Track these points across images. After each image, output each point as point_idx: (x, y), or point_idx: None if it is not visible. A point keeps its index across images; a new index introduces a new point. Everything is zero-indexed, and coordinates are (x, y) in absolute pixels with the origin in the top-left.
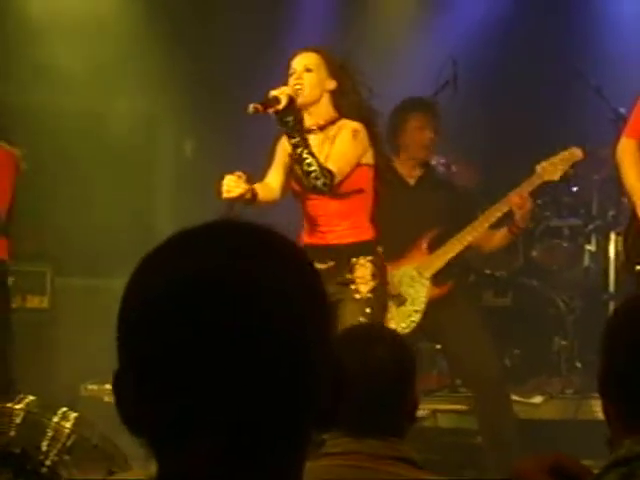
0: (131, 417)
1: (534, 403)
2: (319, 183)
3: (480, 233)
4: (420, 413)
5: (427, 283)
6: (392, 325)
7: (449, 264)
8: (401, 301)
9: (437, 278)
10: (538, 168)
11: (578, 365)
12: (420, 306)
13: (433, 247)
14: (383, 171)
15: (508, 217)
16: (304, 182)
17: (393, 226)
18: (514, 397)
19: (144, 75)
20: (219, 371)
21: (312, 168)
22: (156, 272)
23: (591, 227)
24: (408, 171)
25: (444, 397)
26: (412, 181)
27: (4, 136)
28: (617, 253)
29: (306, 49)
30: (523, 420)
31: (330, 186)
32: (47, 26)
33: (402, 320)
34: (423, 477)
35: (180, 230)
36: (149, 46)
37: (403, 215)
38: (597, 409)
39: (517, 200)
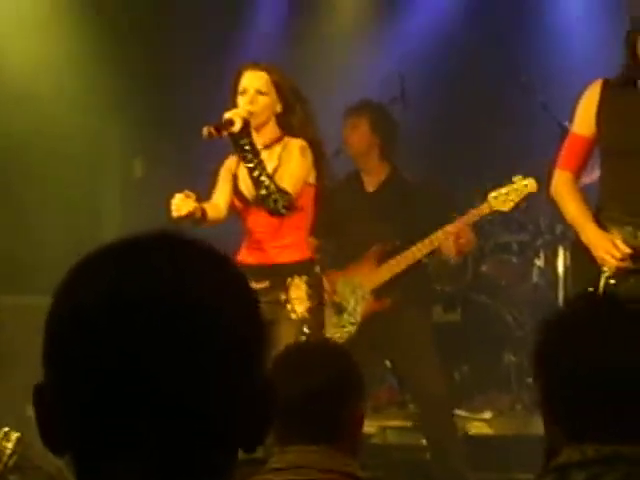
0: (51, 434)
1: (483, 418)
2: (279, 206)
3: (426, 252)
4: (369, 430)
5: (367, 296)
6: (327, 333)
7: (394, 279)
8: (340, 309)
9: (379, 292)
10: (490, 197)
11: (528, 381)
12: (356, 318)
13: (382, 260)
14: (323, 192)
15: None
16: (261, 204)
17: (347, 233)
18: (463, 413)
19: (93, 92)
20: (146, 390)
21: (270, 191)
22: (84, 284)
23: (539, 242)
24: (371, 177)
25: (393, 413)
26: (371, 188)
27: None
28: (565, 268)
29: (257, 66)
30: (472, 435)
31: (289, 207)
32: None
33: (337, 330)
34: None
35: (109, 243)
36: (98, 63)
37: (358, 222)
38: None
39: (455, 231)
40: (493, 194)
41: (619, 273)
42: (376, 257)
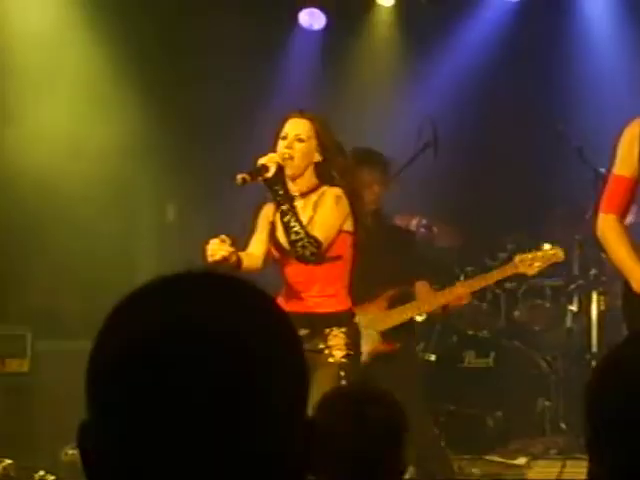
0: (95, 472)
1: (518, 464)
2: (307, 253)
3: (436, 306)
4: None
5: (375, 336)
6: None
7: (401, 325)
8: None
9: (386, 334)
10: (516, 259)
11: (562, 426)
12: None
13: (393, 303)
14: (362, 239)
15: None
16: (291, 251)
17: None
18: (497, 458)
19: (126, 138)
20: (191, 429)
21: (299, 237)
22: (130, 320)
23: (573, 287)
24: None
25: None
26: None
27: None
28: (599, 313)
29: (302, 114)
30: None
31: (317, 255)
32: (23, 84)
33: None
34: None
35: (155, 278)
36: (131, 109)
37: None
38: (581, 469)
39: (466, 291)
40: (519, 257)
41: None
42: (389, 300)
